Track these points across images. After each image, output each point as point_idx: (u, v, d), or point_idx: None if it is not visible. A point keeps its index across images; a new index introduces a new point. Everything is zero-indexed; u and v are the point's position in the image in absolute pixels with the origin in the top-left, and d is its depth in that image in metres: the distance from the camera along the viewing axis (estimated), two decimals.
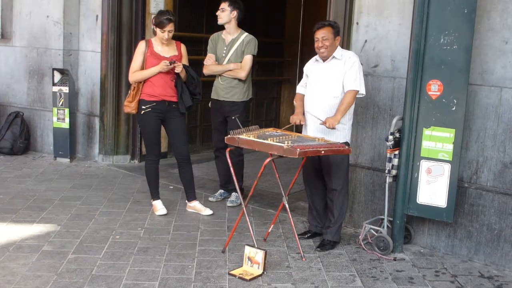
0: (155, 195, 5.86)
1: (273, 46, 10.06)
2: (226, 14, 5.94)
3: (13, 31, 8.49)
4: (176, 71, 5.52)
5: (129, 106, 5.63)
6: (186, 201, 5.93)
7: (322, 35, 4.85)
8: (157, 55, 5.57)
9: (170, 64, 5.44)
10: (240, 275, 4.31)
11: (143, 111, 5.58)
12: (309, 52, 5.94)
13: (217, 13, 5.99)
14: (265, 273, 4.37)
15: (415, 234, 5.13)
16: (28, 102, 8.41)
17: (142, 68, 5.59)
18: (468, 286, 4.38)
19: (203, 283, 4.21)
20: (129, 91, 5.67)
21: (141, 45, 5.66)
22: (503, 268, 4.70)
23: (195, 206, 5.86)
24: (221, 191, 6.35)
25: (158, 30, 5.51)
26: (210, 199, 6.26)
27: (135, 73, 5.58)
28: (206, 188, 6.69)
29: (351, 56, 4.90)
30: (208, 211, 5.82)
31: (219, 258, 4.67)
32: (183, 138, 5.74)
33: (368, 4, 5.32)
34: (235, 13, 5.95)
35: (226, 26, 6.02)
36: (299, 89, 5.16)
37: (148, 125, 5.65)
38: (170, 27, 5.48)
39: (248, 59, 5.96)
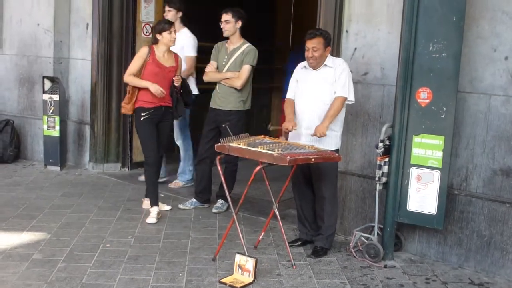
0: (154, 201, 5.85)
1: (263, 54, 10.06)
2: (231, 26, 5.91)
3: (3, 39, 8.45)
4: (175, 84, 5.79)
5: (125, 108, 5.85)
6: (144, 198, 6.12)
7: (312, 45, 4.85)
8: (159, 63, 5.72)
9: (173, 81, 5.77)
10: (231, 283, 4.31)
11: (142, 118, 5.71)
12: (298, 60, 5.94)
13: (221, 26, 5.92)
14: (255, 281, 4.37)
15: (405, 241, 5.14)
16: (18, 110, 8.38)
17: (140, 72, 5.72)
18: None
19: None
20: (127, 94, 5.84)
21: (144, 50, 5.80)
22: (493, 275, 4.72)
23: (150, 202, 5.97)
24: (193, 200, 6.25)
25: (164, 34, 5.68)
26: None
27: (131, 77, 5.73)
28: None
29: (341, 63, 4.93)
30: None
31: (210, 266, 4.67)
32: (165, 139, 6.02)
33: (358, 12, 5.34)
34: (240, 23, 5.93)
35: (230, 37, 6.00)
36: (290, 94, 5.15)
37: (146, 132, 5.78)
38: (173, 28, 5.71)
39: (245, 69, 5.95)
